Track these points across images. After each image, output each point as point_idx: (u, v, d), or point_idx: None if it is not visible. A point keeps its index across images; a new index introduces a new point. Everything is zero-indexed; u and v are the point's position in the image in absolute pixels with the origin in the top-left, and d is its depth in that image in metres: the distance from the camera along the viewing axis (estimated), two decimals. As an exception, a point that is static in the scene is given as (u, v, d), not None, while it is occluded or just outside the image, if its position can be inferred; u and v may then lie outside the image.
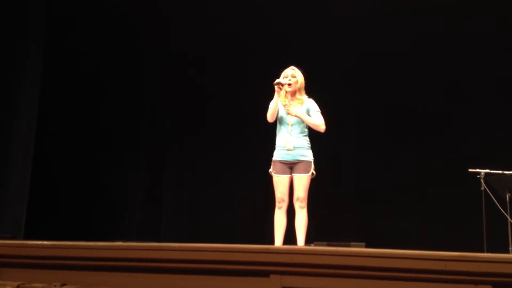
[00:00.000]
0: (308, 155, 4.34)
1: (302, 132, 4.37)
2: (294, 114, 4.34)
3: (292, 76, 4.39)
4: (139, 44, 7.37)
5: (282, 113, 4.40)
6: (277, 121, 4.42)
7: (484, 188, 5.24)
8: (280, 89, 4.33)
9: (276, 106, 4.36)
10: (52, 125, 6.70)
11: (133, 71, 7.29)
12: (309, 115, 4.37)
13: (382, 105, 6.81)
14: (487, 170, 5.28)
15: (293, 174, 4.31)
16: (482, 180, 5.26)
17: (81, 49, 6.86)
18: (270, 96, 4.38)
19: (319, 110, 4.40)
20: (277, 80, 4.33)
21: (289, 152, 4.32)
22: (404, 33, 6.68)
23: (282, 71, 4.45)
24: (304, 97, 4.43)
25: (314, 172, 4.33)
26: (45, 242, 2.99)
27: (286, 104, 4.39)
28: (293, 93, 4.41)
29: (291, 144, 4.32)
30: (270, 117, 4.37)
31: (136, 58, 7.33)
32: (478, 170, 5.29)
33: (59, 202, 6.61)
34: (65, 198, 6.64)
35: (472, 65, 6.47)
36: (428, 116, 6.62)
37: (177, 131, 7.52)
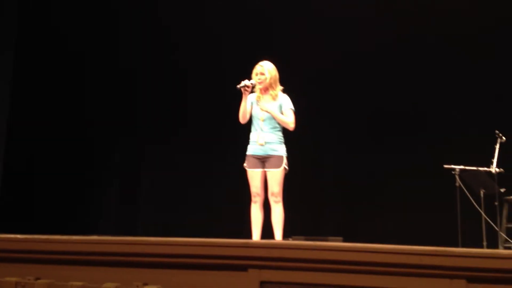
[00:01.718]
0: (280, 150, 4.35)
1: (274, 128, 4.38)
2: (265, 109, 4.35)
3: (261, 73, 4.39)
4: (119, 38, 7.33)
5: (255, 109, 4.41)
6: (251, 116, 4.43)
7: (459, 184, 5.31)
8: (247, 91, 4.34)
9: (245, 108, 4.38)
10: (25, 122, 6.59)
11: (115, 65, 7.24)
12: (281, 111, 4.38)
13: (362, 102, 6.85)
14: (462, 167, 5.35)
15: (265, 169, 4.33)
16: (457, 176, 5.33)
17: (58, 47, 6.78)
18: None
19: (292, 107, 4.41)
20: (242, 83, 4.32)
21: (261, 147, 4.33)
22: (385, 33, 6.72)
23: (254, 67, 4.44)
24: (278, 92, 4.43)
25: (287, 167, 4.34)
26: (18, 236, 2.94)
27: (259, 100, 4.40)
28: (265, 89, 4.43)
29: (263, 139, 4.34)
30: (241, 119, 4.43)
31: (116, 48, 7.27)
32: (453, 166, 5.36)
33: (33, 196, 6.52)
34: (41, 193, 6.54)
35: (448, 64, 6.54)
36: (405, 113, 6.68)
37: (156, 127, 7.49)
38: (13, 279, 2.67)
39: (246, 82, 4.33)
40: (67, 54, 6.83)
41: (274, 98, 4.40)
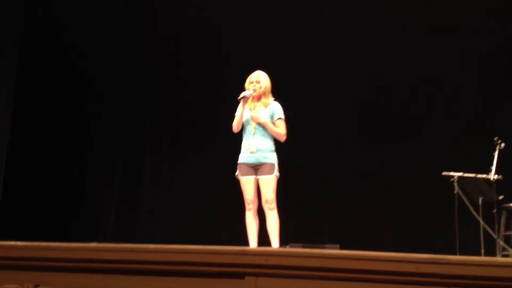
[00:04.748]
0: (271, 158, 4.41)
1: (265, 136, 4.42)
2: (259, 121, 4.40)
3: (257, 81, 4.49)
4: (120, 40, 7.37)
5: (246, 117, 4.47)
6: (243, 124, 4.49)
7: (457, 192, 5.32)
8: (245, 102, 4.43)
9: (241, 117, 4.46)
10: (26, 126, 6.62)
11: (113, 72, 7.28)
12: (273, 120, 4.41)
13: (358, 108, 6.87)
14: (460, 174, 5.36)
15: (258, 177, 4.36)
16: (455, 183, 5.33)
17: (60, 48, 6.82)
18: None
19: (283, 117, 4.48)
20: (242, 94, 4.40)
21: (252, 154, 4.37)
22: (379, 32, 6.74)
23: (248, 76, 4.52)
24: (270, 100, 4.50)
25: (278, 174, 4.38)
26: (18, 243, 2.94)
27: (251, 109, 4.47)
28: (258, 97, 4.50)
29: (254, 147, 4.40)
30: (235, 127, 4.51)
31: (116, 59, 7.31)
32: (451, 173, 5.37)
33: (33, 203, 6.53)
34: (40, 200, 6.56)
35: (447, 68, 6.56)
36: (403, 119, 6.70)
37: (153, 133, 7.50)
38: (12, 286, 2.67)
39: (246, 93, 4.40)
40: (68, 57, 6.88)
41: (266, 106, 4.48)
